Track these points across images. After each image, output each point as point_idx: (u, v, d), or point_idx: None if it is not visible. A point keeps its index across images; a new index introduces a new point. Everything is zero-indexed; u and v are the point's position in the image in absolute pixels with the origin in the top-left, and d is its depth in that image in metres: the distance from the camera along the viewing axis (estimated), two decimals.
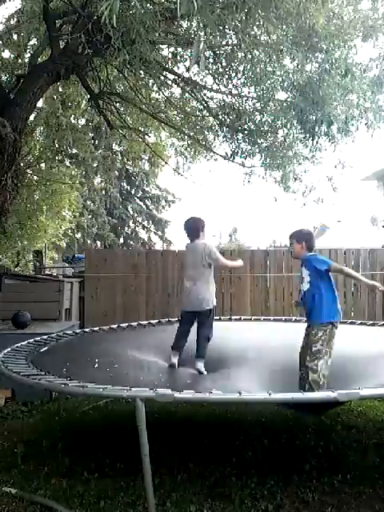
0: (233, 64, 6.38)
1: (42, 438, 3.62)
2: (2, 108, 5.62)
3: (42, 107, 8.54)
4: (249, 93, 6.76)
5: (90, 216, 19.80)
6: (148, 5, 5.13)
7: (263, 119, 6.68)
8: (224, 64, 6.52)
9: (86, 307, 7.79)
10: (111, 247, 20.13)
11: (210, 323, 4.00)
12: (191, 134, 8.16)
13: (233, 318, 6.46)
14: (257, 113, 6.71)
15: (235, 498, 2.73)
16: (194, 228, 4.08)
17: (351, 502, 2.70)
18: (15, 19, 7.42)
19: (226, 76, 6.70)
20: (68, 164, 11.18)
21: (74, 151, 10.16)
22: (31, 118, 7.31)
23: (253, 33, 5.18)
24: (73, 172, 11.12)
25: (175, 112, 8.13)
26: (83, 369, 3.17)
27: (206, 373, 3.76)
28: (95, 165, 12.31)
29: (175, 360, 3.87)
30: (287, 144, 6.74)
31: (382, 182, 16.47)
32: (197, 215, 4.17)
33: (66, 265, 11.97)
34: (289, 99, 6.16)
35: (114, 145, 11.06)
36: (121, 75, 7.35)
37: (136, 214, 23.22)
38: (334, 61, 5.55)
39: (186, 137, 8.40)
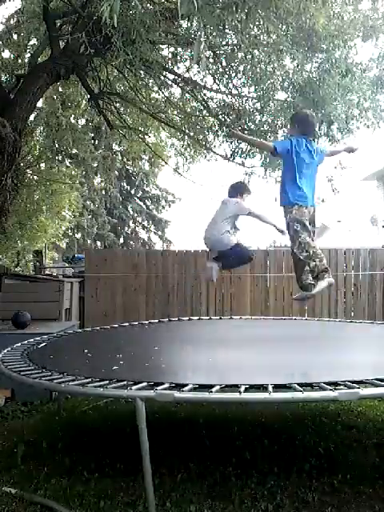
0: (233, 64, 6.39)
1: (42, 438, 3.62)
2: (1, 108, 5.62)
3: (42, 107, 8.54)
4: (249, 93, 6.78)
5: (89, 216, 19.82)
6: (148, 5, 5.14)
7: (263, 119, 6.69)
8: (224, 64, 6.53)
9: (86, 307, 7.80)
10: (111, 247, 20.14)
11: (235, 254, 4.44)
12: (191, 134, 8.17)
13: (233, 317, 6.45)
14: (257, 113, 6.72)
15: (235, 498, 2.73)
16: (233, 188, 4.51)
17: (351, 502, 2.70)
18: (15, 19, 7.43)
19: (226, 76, 6.70)
20: (68, 164, 11.19)
21: (74, 151, 10.17)
22: (31, 117, 7.31)
23: (253, 33, 5.18)
24: (73, 172, 11.13)
25: (175, 112, 8.14)
26: (83, 368, 3.17)
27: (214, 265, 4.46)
28: (95, 165, 12.31)
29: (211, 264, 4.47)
30: None
31: (382, 182, 16.48)
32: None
33: (66, 265, 11.96)
34: (289, 99, 6.16)
35: (114, 145, 11.07)
36: (121, 75, 7.36)
37: (136, 214, 23.22)
38: (334, 61, 5.56)
39: (186, 137, 8.40)
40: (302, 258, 3.61)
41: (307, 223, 3.67)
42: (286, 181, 3.77)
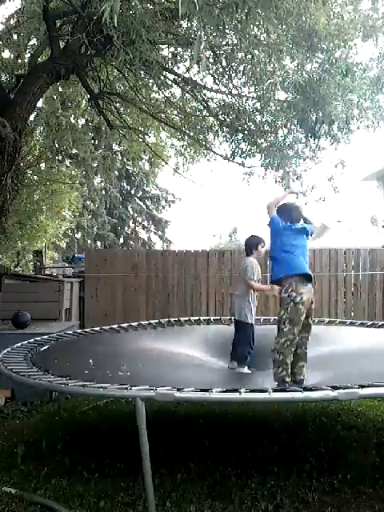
0: (233, 64, 6.39)
1: (42, 438, 3.62)
2: (2, 108, 5.62)
3: (42, 107, 8.53)
4: (249, 93, 6.78)
5: (89, 216, 19.81)
6: (148, 5, 5.14)
7: (263, 119, 6.69)
8: (224, 64, 6.52)
9: (86, 307, 7.79)
10: (111, 247, 20.14)
11: (242, 336, 4.38)
12: (191, 134, 8.17)
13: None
14: (257, 113, 6.71)
15: (235, 498, 2.73)
16: (247, 244, 4.71)
17: (351, 502, 2.70)
18: (15, 19, 7.41)
19: (226, 76, 6.70)
20: (68, 164, 11.19)
21: (74, 151, 10.17)
22: (31, 117, 7.31)
23: (253, 33, 5.17)
24: (73, 172, 11.13)
25: (175, 112, 8.14)
26: (83, 368, 3.17)
27: (244, 371, 4.21)
28: (95, 165, 12.31)
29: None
30: (287, 144, 6.75)
31: (382, 182, 16.45)
32: (257, 234, 4.68)
33: (66, 265, 11.97)
34: (289, 99, 6.16)
35: (114, 145, 11.07)
36: (121, 75, 7.36)
37: (136, 214, 23.22)
38: (334, 61, 5.55)
39: (186, 137, 8.40)
40: (272, 353, 3.59)
41: (299, 324, 3.55)
42: (277, 256, 3.75)
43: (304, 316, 3.56)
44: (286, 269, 3.64)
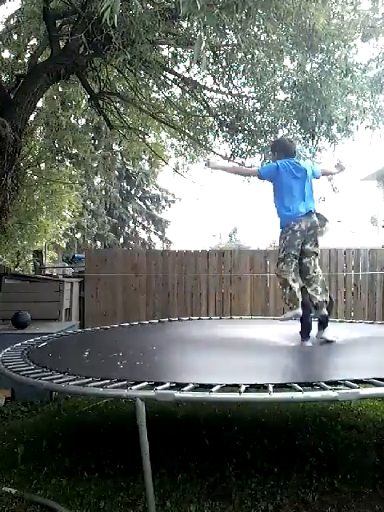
0: (233, 64, 6.40)
1: (42, 438, 3.62)
2: (1, 108, 5.63)
3: (42, 107, 8.54)
4: (249, 93, 6.79)
5: (89, 216, 19.83)
6: (148, 5, 5.15)
7: (263, 119, 6.69)
8: (224, 64, 6.53)
9: (86, 307, 7.80)
10: (111, 247, 20.15)
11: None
12: (191, 134, 8.17)
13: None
14: (257, 113, 6.72)
15: (235, 498, 2.73)
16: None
17: (351, 502, 2.70)
18: (15, 19, 7.42)
19: (226, 76, 6.71)
20: (68, 164, 11.19)
21: (74, 151, 10.18)
22: (31, 118, 7.31)
23: (253, 33, 5.18)
24: (73, 172, 11.13)
25: (175, 112, 8.14)
26: (83, 368, 3.17)
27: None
28: (95, 165, 12.32)
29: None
30: None
31: (382, 182, 16.47)
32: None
33: (66, 265, 11.97)
34: (289, 99, 6.16)
35: (114, 145, 11.08)
36: (121, 75, 7.37)
37: (136, 214, 23.24)
38: (334, 61, 5.56)
39: (186, 137, 8.40)
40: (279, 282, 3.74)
41: (292, 246, 3.67)
42: (278, 205, 3.80)
43: (300, 241, 3.65)
44: (284, 222, 3.72)
